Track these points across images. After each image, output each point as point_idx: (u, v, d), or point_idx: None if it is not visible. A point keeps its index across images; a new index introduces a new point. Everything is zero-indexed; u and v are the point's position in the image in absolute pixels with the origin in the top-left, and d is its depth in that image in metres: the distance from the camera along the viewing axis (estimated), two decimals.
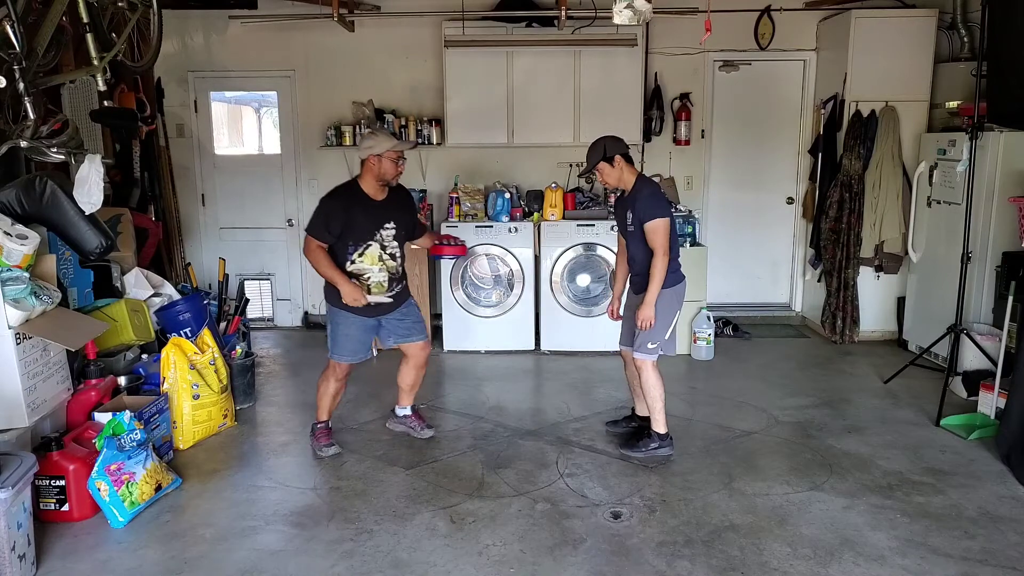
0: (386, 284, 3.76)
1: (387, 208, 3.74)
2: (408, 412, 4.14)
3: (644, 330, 3.65)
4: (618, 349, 4.04)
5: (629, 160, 3.71)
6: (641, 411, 4.00)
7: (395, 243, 3.77)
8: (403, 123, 6.00)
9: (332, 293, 3.72)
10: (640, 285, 3.73)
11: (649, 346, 3.69)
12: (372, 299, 3.69)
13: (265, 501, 3.38)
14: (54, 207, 3.65)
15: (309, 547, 2.99)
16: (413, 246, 4.27)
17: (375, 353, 5.68)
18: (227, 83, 6.24)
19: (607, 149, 3.66)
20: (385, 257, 3.73)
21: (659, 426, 3.76)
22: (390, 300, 3.79)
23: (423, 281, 5.63)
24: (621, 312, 4.02)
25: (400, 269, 3.84)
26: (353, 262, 3.69)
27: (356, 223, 3.65)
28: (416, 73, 6.09)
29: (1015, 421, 3.65)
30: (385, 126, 5.98)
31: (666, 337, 3.71)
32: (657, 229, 3.55)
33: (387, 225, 3.72)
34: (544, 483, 3.52)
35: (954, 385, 4.54)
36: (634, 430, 4.00)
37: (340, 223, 3.61)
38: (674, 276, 3.72)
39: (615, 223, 5.43)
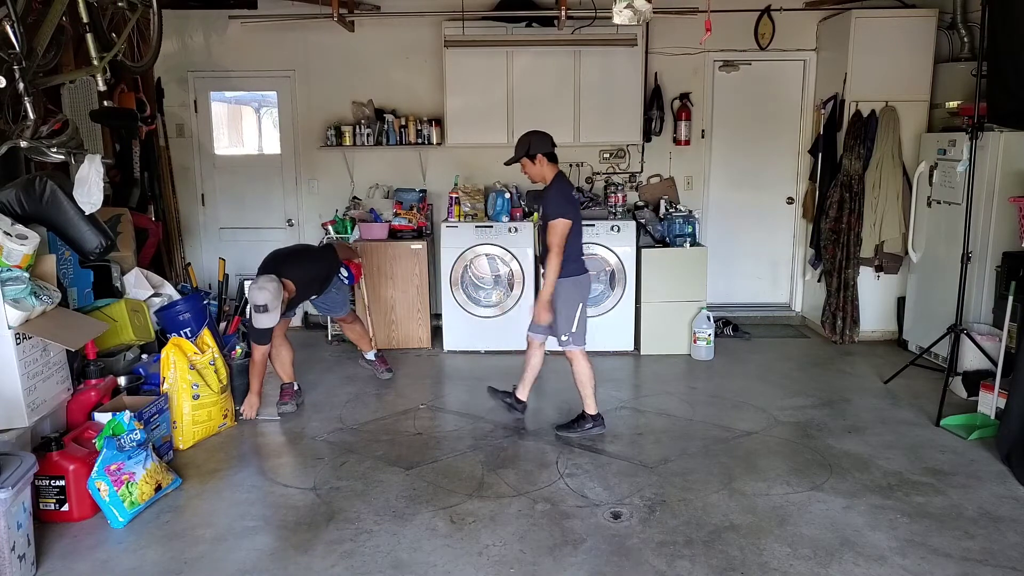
0: None
1: None
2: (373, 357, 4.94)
3: (539, 322, 3.94)
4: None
5: (552, 158, 3.91)
6: (521, 394, 4.26)
7: None
8: (403, 123, 6.00)
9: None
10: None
11: (562, 339, 3.98)
12: None
13: (265, 501, 3.38)
14: (54, 207, 3.65)
15: (309, 547, 2.99)
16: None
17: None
18: (227, 83, 6.24)
19: (531, 146, 3.89)
20: None
21: (589, 408, 4.06)
22: None
23: (423, 281, 5.64)
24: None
25: None
26: None
27: None
28: (416, 73, 6.09)
29: (1015, 421, 3.65)
30: (385, 126, 5.99)
31: (573, 329, 3.95)
32: (555, 228, 3.77)
33: None
34: (544, 483, 3.52)
35: (954, 385, 4.54)
36: (577, 417, 4.13)
37: None
38: (575, 266, 3.93)
39: (616, 223, 5.49)
